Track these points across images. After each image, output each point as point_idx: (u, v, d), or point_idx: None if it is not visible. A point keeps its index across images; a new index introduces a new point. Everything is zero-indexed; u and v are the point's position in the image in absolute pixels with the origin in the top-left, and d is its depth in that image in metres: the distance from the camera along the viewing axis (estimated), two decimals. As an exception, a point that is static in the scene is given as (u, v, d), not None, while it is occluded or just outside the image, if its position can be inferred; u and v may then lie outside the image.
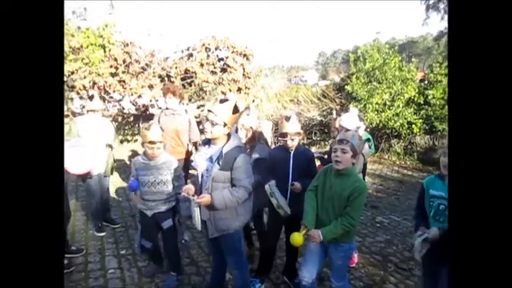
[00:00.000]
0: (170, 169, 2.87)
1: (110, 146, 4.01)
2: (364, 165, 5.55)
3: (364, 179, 5.65)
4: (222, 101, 2.26)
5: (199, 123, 5.28)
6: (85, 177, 3.78)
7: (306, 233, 2.28)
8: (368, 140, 3.68)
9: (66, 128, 3.71)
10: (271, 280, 3.12)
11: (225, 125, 2.26)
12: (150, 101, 7.45)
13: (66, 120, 5.63)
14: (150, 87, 7.20)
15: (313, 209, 2.38)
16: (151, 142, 2.74)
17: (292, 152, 2.77)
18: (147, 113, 7.64)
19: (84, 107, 5.75)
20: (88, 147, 3.49)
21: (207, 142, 2.42)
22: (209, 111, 2.27)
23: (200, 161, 2.39)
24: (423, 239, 2.03)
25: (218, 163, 2.24)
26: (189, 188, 2.32)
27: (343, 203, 2.25)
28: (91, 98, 3.81)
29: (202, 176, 2.39)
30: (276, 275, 3.18)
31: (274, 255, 3.06)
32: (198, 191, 2.38)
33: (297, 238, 2.26)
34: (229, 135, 2.34)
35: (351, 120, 3.16)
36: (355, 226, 2.27)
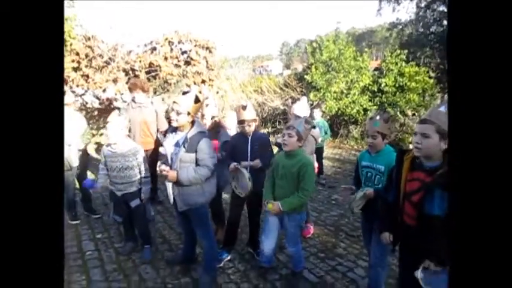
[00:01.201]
0: (135, 155, 3.24)
1: (85, 152, 4.22)
2: (321, 148, 6.08)
3: (321, 161, 6.18)
4: (184, 93, 2.60)
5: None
6: None
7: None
8: (313, 127, 4.10)
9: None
10: (237, 251, 3.51)
11: (188, 113, 2.59)
12: (115, 94, 7.52)
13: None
14: (115, 81, 7.27)
15: (271, 186, 2.84)
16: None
17: (249, 137, 3.14)
18: (112, 106, 7.71)
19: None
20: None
21: (174, 130, 2.74)
22: (174, 102, 2.60)
23: (168, 146, 2.72)
24: (361, 194, 2.51)
25: (184, 146, 2.58)
26: (163, 168, 2.63)
27: (293, 178, 2.67)
28: None
29: (171, 159, 2.72)
30: (241, 247, 3.58)
31: (238, 227, 3.44)
32: None
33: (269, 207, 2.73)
34: (193, 123, 2.68)
35: (301, 108, 3.58)
36: (308, 196, 2.75)
